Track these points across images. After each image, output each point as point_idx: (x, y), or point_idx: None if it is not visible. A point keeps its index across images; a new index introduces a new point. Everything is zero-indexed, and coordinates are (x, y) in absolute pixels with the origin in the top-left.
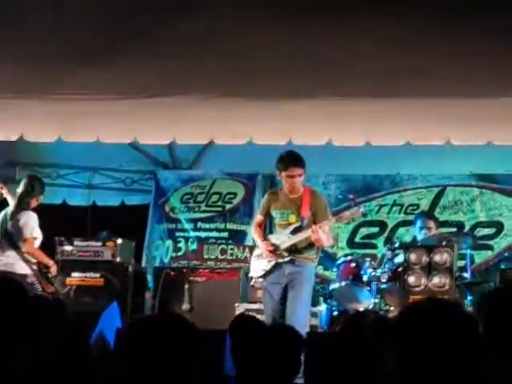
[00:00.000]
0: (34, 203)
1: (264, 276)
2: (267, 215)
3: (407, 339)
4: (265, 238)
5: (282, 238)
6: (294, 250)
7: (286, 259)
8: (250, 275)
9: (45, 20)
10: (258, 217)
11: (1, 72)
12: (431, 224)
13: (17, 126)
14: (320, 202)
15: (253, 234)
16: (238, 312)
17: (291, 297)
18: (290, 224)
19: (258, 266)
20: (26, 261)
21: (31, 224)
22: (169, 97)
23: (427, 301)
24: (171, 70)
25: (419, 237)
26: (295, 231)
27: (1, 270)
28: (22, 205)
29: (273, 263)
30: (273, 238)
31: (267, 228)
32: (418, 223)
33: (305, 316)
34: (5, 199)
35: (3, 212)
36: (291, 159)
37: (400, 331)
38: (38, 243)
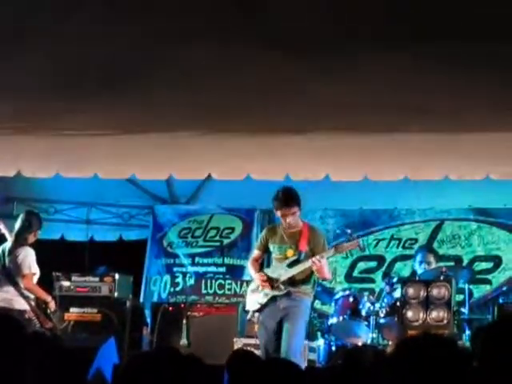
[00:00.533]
0: (31, 239)
1: (259, 310)
2: (265, 250)
3: (402, 373)
4: (260, 271)
5: (279, 271)
6: (290, 283)
7: (282, 292)
8: (246, 309)
9: (44, 55)
10: (255, 252)
11: None
12: (431, 258)
13: (14, 162)
14: (318, 238)
15: (249, 268)
16: (236, 347)
17: (286, 331)
18: (287, 258)
19: (254, 299)
20: (25, 297)
21: (29, 260)
22: (167, 132)
23: (422, 336)
24: (169, 106)
25: (419, 271)
26: (292, 264)
27: None
28: (19, 240)
29: (269, 297)
30: (269, 272)
31: (264, 263)
32: (419, 257)
33: (300, 350)
34: (2, 235)
35: (1, 248)
36: (283, 199)
37: (395, 365)
38: (35, 279)
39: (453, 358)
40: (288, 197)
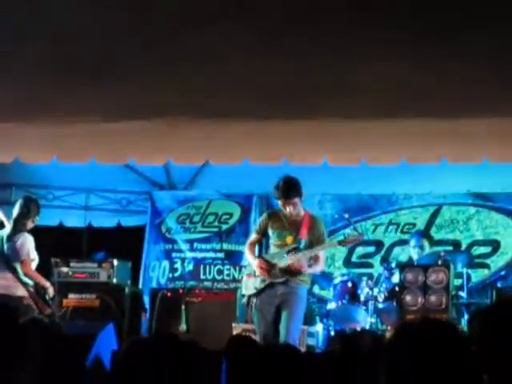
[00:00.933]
0: (29, 225)
1: (256, 295)
2: (263, 234)
3: (401, 358)
4: (259, 256)
5: (278, 258)
6: (288, 270)
7: (280, 280)
8: (242, 293)
9: (40, 43)
10: (253, 235)
11: None
12: (425, 242)
13: (12, 149)
14: (319, 228)
15: (246, 251)
16: (235, 332)
17: (284, 317)
18: (286, 245)
19: (251, 284)
20: (23, 283)
21: (28, 246)
22: (163, 117)
23: (421, 320)
24: (166, 90)
25: (414, 256)
26: (292, 252)
27: None
28: (18, 227)
29: (266, 282)
30: (267, 257)
31: (263, 248)
32: (412, 242)
33: (297, 336)
34: (0, 221)
35: None
36: (284, 190)
37: (394, 350)
38: (34, 265)
39: (452, 343)
40: (289, 187)
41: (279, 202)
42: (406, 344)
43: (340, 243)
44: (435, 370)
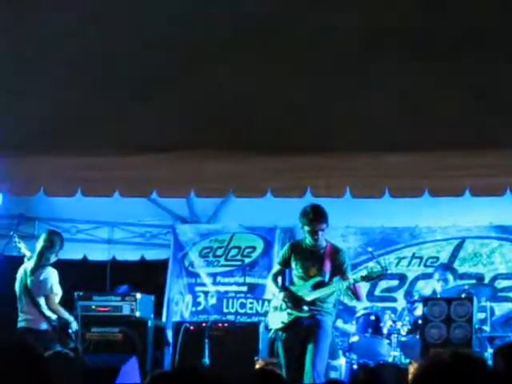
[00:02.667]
0: (53, 259)
1: (283, 329)
2: (287, 265)
3: None
4: (285, 288)
5: (303, 291)
6: (313, 303)
7: (306, 314)
8: (269, 327)
9: (65, 73)
10: (277, 266)
11: (19, 126)
12: (449, 276)
13: (36, 182)
14: (342, 259)
15: (270, 283)
16: (257, 366)
17: (310, 351)
18: (310, 277)
19: (277, 317)
20: (46, 317)
21: (51, 280)
22: (187, 151)
23: (451, 354)
24: (189, 123)
25: (438, 289)
26: (317, 286)
27: (21, 327)
28: (41, 261)
29: (293, 316)
30: (293, 290)
31: (286, 280)
32: (436, 275)
33: (323, 371)
34: (23, 255)
35: (22, 267)
36: (314, 215)
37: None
38: (57, 299)
39: (481, 377)
40: (318, 212)
41: (307, 229)
42: (437, 377)
43: (363, 279)
44: None
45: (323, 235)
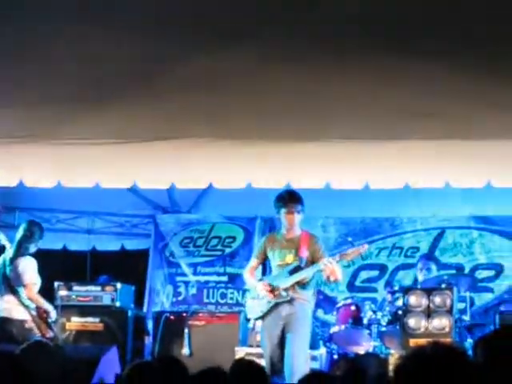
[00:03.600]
0: (32, 248)
1: (262, 317)
2: (263, 258)
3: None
4: (261, 279)
5: (280, 279)
6: (292, 290)
7: (285, 299)
8: (247, 317)
9: (44, 65)
10: (253, 260)
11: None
12: (432, 266)
13: (16, 172)
14: (318, 244)
15: (246, 277)
16: (238, 356)
17: (290, 339)
18: (287, 264)
19: (256, 307)
20: (25, 306)
21: (30, 269)
22: (167, 141)
23: (432, 346)
24: (169, 113)
25: (420, 278)
26: (294, 271)
27: (0, 316)
28: (20, 250)
29: (271, 304)
30: (270, 280)
31: (265, 271)
32: (419, 265)
33: (304, 358)
34: (3, 245)
35: (1, 257)
36: (288, 197)
37: (404, 375)
38: (36, 289)
39: (462, 368)
40: (293, 194)
41: (283, 211)
42: (418, 368)
43: (341, 256)
44: None
45: (298, 219)
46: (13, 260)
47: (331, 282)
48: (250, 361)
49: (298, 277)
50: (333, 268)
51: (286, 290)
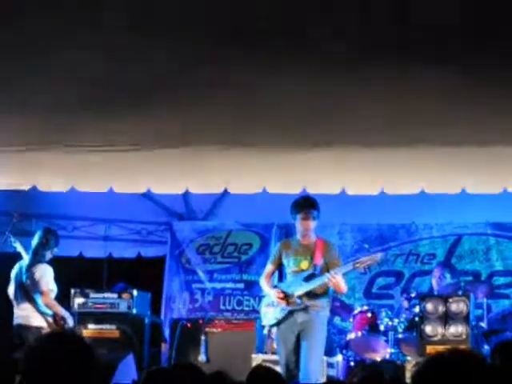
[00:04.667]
0: (48, 256)
1: (277, 324)
2: (278, 264)
3: None
4: (275, 286)
5: (295, 286)
6: (306, 297)
7: (299, 307)
8: (262, 324)
9: (58, 71)
10: (269, 266)
11: (13, 122)
12: (447, 273)
13: (29, 176)
14: (333, 251)
15: (262, 283)
16: (254, 363)
17: (305, 346)
18: (302, 270)
19: (270, 314)
20: (42, 313)
21: (47, 277)
22: (182, 147)
23: (450, 351)
24: (185, 120)
25: (435, 286)
26: (308, 278)
27: (17, 324)
28: (36, 257)
29: (286, 311)
30: (284, 287)
31: (280, 278)
32: (435, 272)
33: (319, 365)
34: (19, 253)
35: (18, 265)
36: (306, 202)
37: (423, 381)
38: (53, 296)
39: (481, 374)
40: (309, 200)
41: (299, 217)
42: (436, 374)
43: (355, 264)
44: None
45: (314, 227)
46: (29, 267)
47: (337, 294)
48: (268, 367)
49: (313, 284)
50: (336, 281)
51: (300, 297)
